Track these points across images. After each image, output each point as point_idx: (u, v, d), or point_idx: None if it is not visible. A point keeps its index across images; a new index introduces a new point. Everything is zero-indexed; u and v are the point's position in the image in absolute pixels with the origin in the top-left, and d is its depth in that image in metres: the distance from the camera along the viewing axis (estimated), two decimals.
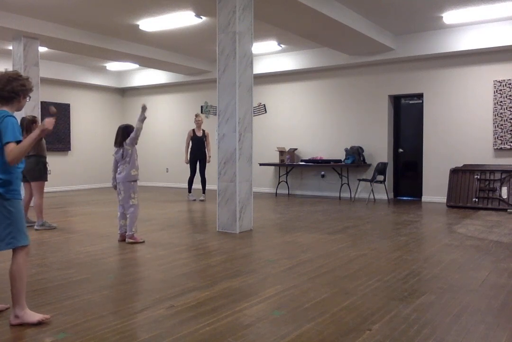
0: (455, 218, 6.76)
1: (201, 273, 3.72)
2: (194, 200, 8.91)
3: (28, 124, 5.35)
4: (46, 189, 9.45)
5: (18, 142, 2.48)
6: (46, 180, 5.77)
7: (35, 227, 5.68)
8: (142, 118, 4.82)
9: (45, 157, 5.77)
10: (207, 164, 9.03)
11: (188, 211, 7.40)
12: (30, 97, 2.73)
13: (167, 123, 12.30)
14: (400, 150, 9.41)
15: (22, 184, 5.47)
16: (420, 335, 2.44)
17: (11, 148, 2.45)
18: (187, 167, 8.96)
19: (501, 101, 7.96)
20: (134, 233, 4.94)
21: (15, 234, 2.57)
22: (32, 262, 4.08)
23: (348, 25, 6.98)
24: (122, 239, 5.02)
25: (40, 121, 5.79)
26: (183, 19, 7.33)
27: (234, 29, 5.47)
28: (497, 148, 8.00)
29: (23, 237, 2.61)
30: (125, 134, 4.89)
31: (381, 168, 8.61)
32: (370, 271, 3.74)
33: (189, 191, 9.07)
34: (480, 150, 8.19)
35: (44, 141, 5.79)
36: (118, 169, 4.92)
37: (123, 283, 3.47)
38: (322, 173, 9.93)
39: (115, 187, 5.02)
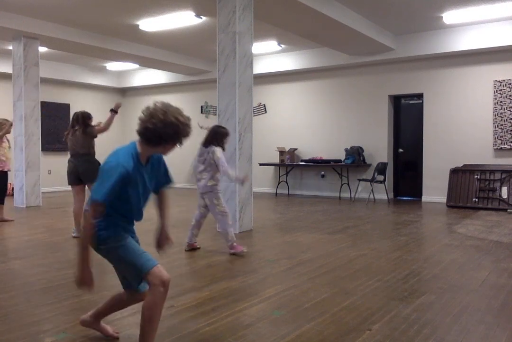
0: (455, 218, 6.76)
1: (201, 273, 3.72)
2: None
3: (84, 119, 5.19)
4: (45, 189, 9.46)
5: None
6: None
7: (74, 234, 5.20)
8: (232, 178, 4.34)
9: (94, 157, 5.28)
10: None
11: (188, 211, 7.38)
12: (182, 144, 2.10)
13: None
14: (400, 150, 9.41)
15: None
16: (420, 335, 2.44)
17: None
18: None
19: (501, 101, 7.96)
20: (231, 244, 4.39)
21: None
22: (32, 262, 4.08)
23: (348, 25, 6.98)
24: (190, 248, 4.56)
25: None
26: (183, 19, 7.33)
27: (234, 29, 5.47)
28: (497, 148, 7.99)
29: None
30: (213, 136, 4.38)
31: (381, 168, 8.61)
32: (370, 271, 3.74)
33: None
34: (480, 150, 8.18)
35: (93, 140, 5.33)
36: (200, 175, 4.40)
37: None
38: (322, 173, 9.93)
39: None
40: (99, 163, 5.06)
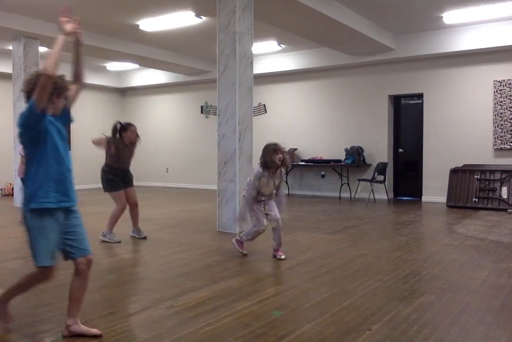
0: (455, 218, 6.76)
1: (201, 273, 3.72)
2: None
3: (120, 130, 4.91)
4: None
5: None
6: (110, 191, 5.11)
7: (99, 237, 5.04)
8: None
9: (110, 166, 5.02)
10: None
11: (188, 211, 7.39)
12: (66, 98, 2.47)
13: (167, 123, 12.28)
14: (400, 150, 9.41)
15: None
16: (420, 335, 2.44)
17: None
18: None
19: (501, 101, 7.96)
20: (239, 238, 4.35)
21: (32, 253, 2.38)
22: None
23: (348, 25, 6.98)
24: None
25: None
26: (183, 19, 7.33)
27: (234, 29, 5.47)
28: (497, 148, 7.99)
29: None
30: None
31: (381, 168, 8.61)
32: (370, 271, 3.74)
33: None
34: (480, 150, 8.18)
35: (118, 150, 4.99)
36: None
37: (123, 283, 3.47)
38: (322, 173, 9.93)
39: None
40: (104, 172, 5.05)
